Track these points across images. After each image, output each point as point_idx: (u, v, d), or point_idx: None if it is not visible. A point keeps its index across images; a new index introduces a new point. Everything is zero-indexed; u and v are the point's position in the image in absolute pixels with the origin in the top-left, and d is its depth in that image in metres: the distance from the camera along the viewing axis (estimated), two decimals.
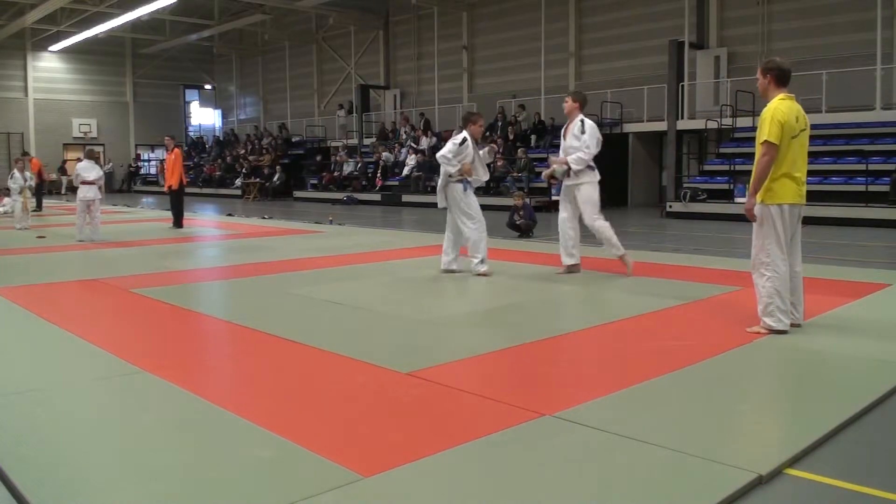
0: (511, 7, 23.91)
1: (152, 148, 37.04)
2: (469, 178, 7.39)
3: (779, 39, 18.11)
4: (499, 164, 11.68)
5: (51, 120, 33.42)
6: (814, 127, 17.96)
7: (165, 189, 14.32)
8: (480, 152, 7.50)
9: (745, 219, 5.02)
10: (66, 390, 3.79)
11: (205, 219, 17.44)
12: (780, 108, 4.71)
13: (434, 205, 19.38)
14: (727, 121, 17.63)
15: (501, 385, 3.82)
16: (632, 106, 19.97)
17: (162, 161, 35.13)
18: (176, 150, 13.76)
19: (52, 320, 5.39)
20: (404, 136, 25.41)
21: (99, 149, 34.86)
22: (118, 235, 12.35)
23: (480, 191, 18.18)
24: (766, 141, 4.66)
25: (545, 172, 8.02)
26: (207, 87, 38.75)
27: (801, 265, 4.98)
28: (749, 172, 5.02)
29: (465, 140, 7.30)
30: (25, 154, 20.60)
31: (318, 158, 27.92)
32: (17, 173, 14.20)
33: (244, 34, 34.39)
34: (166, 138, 14.33)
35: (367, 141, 27.40)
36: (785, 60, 4.97)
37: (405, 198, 21.40)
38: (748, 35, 18.54)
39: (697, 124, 18.27)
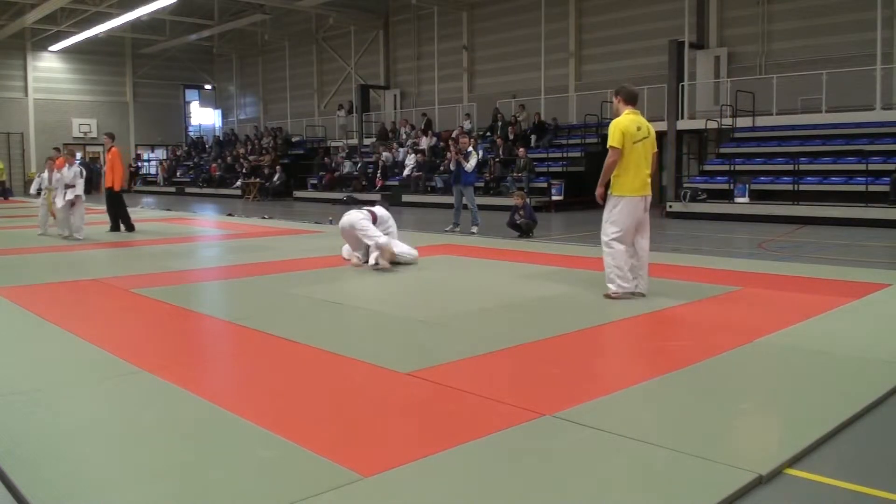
0: (511, 7, 23.90)
1: (152, 148, 37.08)
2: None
3: (779, 39, 18.11)
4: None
5: (51, 120, 33.43)
6: (814, 127, 17.94)
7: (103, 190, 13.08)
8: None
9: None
10: (66, 390, 3.78)
11: (205, 219, 17.44)
12: (622, 121, 5.97)
13: (433, 205, 19.48)
14: (727, 121, 17.62)
15: (501, 385, 3.82)
16: None
17: (161, 162, 35.27)
18: (114, 149, 12.69)
19: (52, 320, 5.39)
20: (404, 136, 25.41)
21: (99, 149, 34.94)
22: (118, 235, 12.35)
23: (480, 190, 18.36)
24: (610, 146, 5.93)
25: None
26: (207, 87, 38.76)
27: (647, 245, 6.13)
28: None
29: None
30: (56, 150, 17.74)
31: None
32: (45, 174, 12.89)
33: (244, 34, 34.38)
34: (104, 136, 13.34)
35: (367, 141, 27.40)
36: (632, 86, 6.33)
37: (405, 198, 21.40)
38: (748, 35, 18.54)
39: (697, 124, 18.26)
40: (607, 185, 6.05)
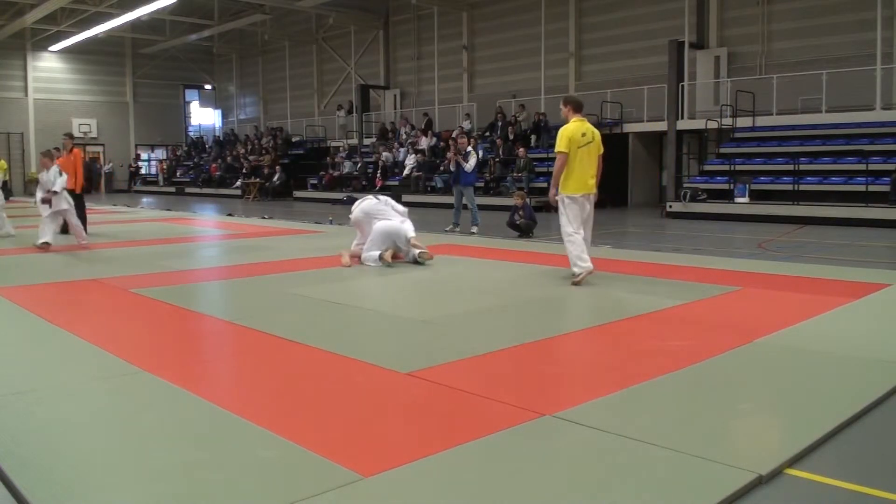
0: (511, 7, 23.90)
1: (152, 148, 37.07)
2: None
3: (779, 39, 18.11)
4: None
5: (51, 120, 33.36)
6: (814, 127, 17.95)
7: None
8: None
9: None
10: (66, 390, 3.78)
11: (205, 219, 17.44)
12: (568, 128, 6.77)
13: (433, 205, 19.46)
14: (727, 121, 17.62)
15: (501, 385, 3.82)
16: (632, 106, 19.97)
17: (160, 162, 35.24)
18: (75, 150, 11.97)
19: (52, 320, 5.39)
20: (404, 136, 25.41)
21: (99, 149, 34.95)
22: (117, 236, 12.35)
23: (480, 190, 18.35)
24: (557, 151, 6.72)
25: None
26: (207, 87, 38.75)
27: (589, 235, 6.89)
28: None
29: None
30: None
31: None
32: None
33: (244, 34, 34.37)
34: (64, 137, 12.39)
35: (367, 141, 27.40)
36: (577, 96, 7.22)
37: (405, 197, 21.33)
38: (748, 35, 18.54)
39: (697, 124, 18.26)
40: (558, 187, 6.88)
